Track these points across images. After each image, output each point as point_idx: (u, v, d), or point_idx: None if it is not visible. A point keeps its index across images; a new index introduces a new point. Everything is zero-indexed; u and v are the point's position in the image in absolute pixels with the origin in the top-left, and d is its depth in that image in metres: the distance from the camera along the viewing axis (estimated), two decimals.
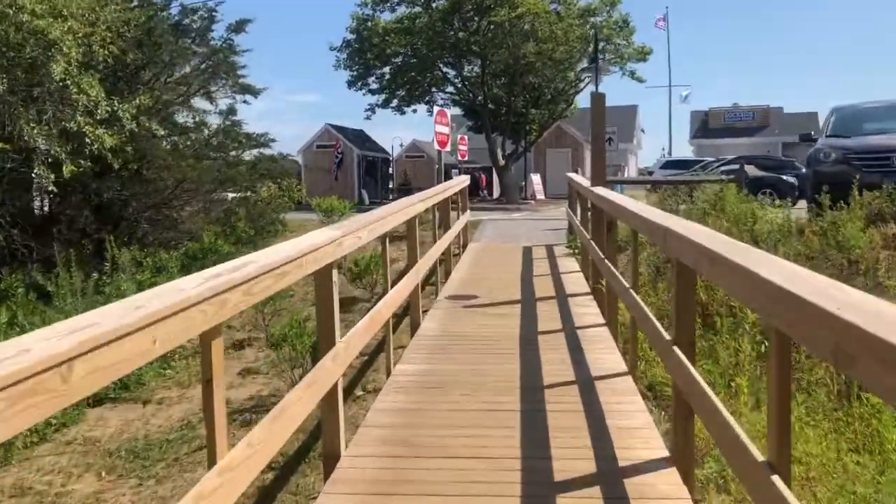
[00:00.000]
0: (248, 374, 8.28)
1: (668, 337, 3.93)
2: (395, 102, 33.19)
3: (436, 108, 15.93)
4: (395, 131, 74.61)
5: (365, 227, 4.78)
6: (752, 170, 23.43)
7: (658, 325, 4.31)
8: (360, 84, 32.24)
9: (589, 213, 10.01)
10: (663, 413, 5.30)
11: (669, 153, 55.63)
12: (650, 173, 33.00)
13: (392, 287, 5.98)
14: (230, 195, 13.95)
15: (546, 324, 7.16)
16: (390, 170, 39.82)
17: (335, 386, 4.09)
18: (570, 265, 10.85)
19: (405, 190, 32.66)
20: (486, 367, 5.73)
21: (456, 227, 11.32)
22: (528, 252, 12.23)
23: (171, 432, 6.60)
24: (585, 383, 5.29)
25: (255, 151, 14.01)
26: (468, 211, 13.37)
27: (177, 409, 7.39)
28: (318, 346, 4.14)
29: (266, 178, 13.83)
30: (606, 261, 6.90)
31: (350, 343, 4.33)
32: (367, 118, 32.69)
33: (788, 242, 7.81)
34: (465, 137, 25.46)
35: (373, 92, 32.50)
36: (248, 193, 13.59)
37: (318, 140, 32.51)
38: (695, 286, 3.98)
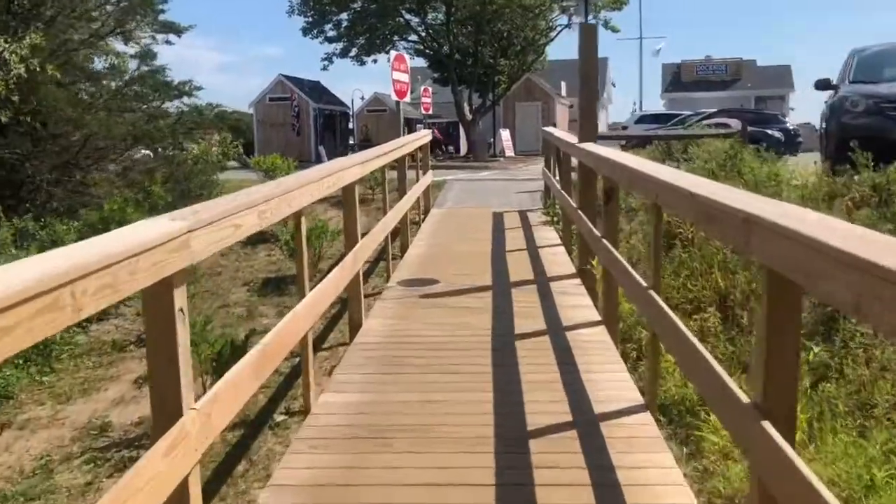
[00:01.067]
0: (146, 384, 6.52)
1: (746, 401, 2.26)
2: (353, 52, 30.95)
3: (393, 53, 13.97)
4: (356, 83, 71.16)
5: (248, 210, 3.00)
6: (735, 124, 21.95)
7: (719, 370, 2.63)
8: (315, 31, 29.94)
9: (574, 176, 8.33)
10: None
11: (640, 107, 54.05)
12: (624, 128, 31.31)
13: (312, 289, 4.22)
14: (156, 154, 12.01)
15: (526, 322, 5.49)
16: (350, 125, 37.65)
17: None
18: (548, 236, 9.17)
19: (366, 146, 30.64)
20: (446, 400, 4.05)
21: (415, 191, 9.56)
22: (499, 219, 10.53)
23: (15, 482, 4.84)
24: (588, 426, 3.65)
25: (177, 102, 11.98)
26: (430, 171, 11.60)
27: (41, 438, 5.61)
28: (154, 424, 2.41)
29: (195, 133, 11.84)
30: (604, 240, 5.23)
31: (213, 414, 2.58)
32: (324, 69, 30.48)
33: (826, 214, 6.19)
34: (430, 90, 23.46)
35: (330, 40, 30.22)
36: (174, 152, 11.61)
37: (271, 92, 30.22)
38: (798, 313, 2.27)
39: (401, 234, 8.66)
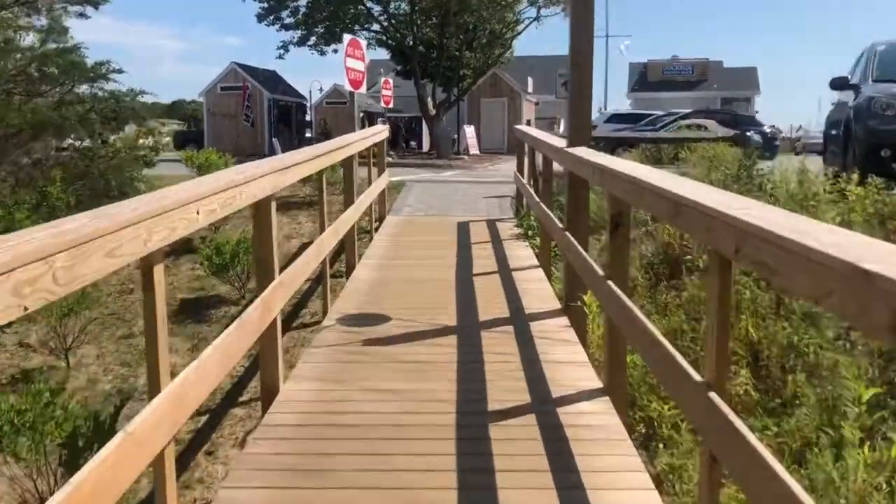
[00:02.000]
0: None
1: None
2: (312, 41, 29.17)
3: (346, 37, 12.36)
4: (317, 74, 68.57)
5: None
6: (712, 125, 20.79)
7: None
8: (272, 18, 28.08)
9: (542, 184, 6.94)
10: None
11: (605, 107, 53.08)
12: (593, 127, 30.21)
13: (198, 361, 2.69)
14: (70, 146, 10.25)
15: (503, 391, 4.03)
16: (308, 117, 35.87)
17: None
18: (523, 254, 7.71)
19: (324, 140, 28.96)
20: None
21: (366, 197, 8.05)
22: (464, 231, 9.06)
23: None
24: None
25: (85, 86, 10.13)
26: (386, 171, 10.08)
27: None
28: None
29: (112, 122, 10.07)
30: (610, 283, 3.80)
31: None
32: (280, 57, 28.67)
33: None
34: (390, 81, 21.86)
35: (286, 28, 28.39)
36: (90, 145, 9.85)
37: (223, 81, 28.32)
38: None
39: (346, 250, 7.14)
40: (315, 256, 5.19)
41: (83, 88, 10.12)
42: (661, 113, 27.35)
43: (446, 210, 10.92)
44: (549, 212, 6.51)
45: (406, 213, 10.61)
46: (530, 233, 8.40)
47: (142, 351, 6.73)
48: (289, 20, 28.33)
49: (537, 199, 7.22)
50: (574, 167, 5.23)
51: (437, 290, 6.16)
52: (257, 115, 28.14)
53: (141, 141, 11.04)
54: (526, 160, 9.54)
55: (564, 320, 5.32)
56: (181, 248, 9.07)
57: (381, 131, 9.20)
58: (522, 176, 9.90)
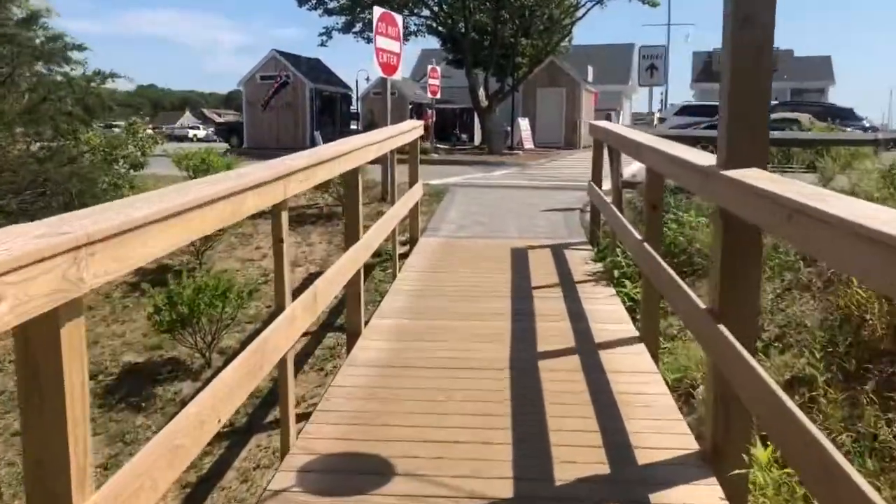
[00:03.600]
0: None
1: None
2: (358, 27, 26.89)
3: (377, 11, 9.97)
4: (363, 64, 65.50)
5: None
6: (806, 120, 17.82)
7: None
8: (314, 2, 25.88)
9: (648, 212, 4.46)
10: None
11: (667, 98, 49.77)
12: (661, 120, 27.12)
13: None
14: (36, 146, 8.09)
15: None
16: (353, 108, 33.75)
17: None
18: (611, 314, 5.13)
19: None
20: None
21: (387, 223, 5.67)
22: (521, 262, 6.60)
23: None
24: None
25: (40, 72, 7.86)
26: (419, 183, 7.65)
27: None
28: None
29: (67, 116, 7.85)
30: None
31: None
32: (322, 45, 26.30)
33: None
34: (438, 70, 19.34)
35: (330, 13, 26.16)
36: (50, 143, 7.71)
37: (262, 70, 26.22)
38: None
39: (348, 307, 4.75)
40: (283, 343, 2.83)
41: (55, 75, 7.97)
42: None
43: (497, 227, 8.44)
44: (659, 260, 4.00)
45: (445, 232, 8.14)
46: (616, 273, 5.89)
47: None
48: (332, 4, 26.11)
49: (637, 236, 4.69)
50: (736, 203, 2.74)
51: (481, 385, 3.73)
52: (298, 105, 25.98)
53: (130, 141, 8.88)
54: (608, 167, 7.01)
55: (709, 477, 2.85)
56: (154, 278, 6.83)
57: (410, 129, 6.75)
58: (600, 186, 7.37)
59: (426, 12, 27.63)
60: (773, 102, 22.28)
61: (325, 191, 8.97)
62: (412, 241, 7.51)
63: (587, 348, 4.40)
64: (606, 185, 7.15)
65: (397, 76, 10.38)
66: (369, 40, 27.52)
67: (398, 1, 26.24)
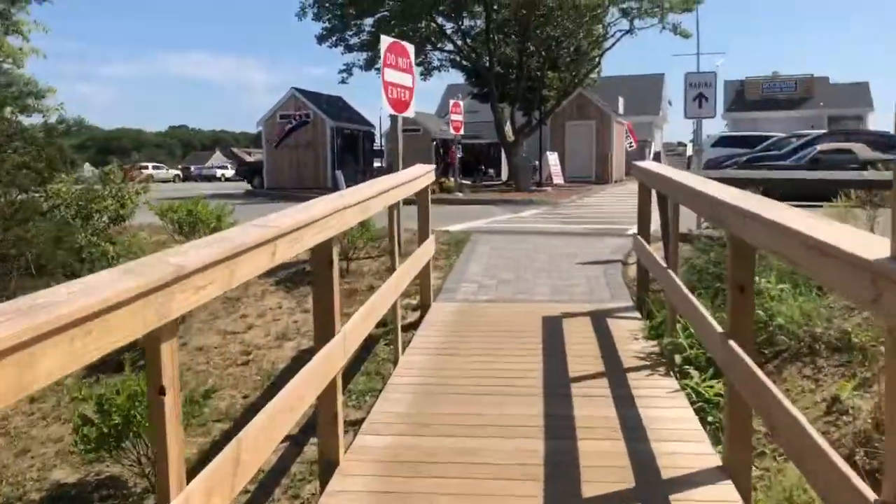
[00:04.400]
0: None
1: None
2: (380, 64, 26.07)
3: (385, 41, 8.86)
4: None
5: None
6: (862, 150, 16.31)
7: None
8: (335, 39, 25.12)
9: (730, 298, 3.16)
10: None
11: (700, 128, 48.20)
12: (698, 153, 25.70)
13: None
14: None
15: None
16: (377, 145, 32.90)
17: None
18: (676, 423, 3.80)
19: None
20: None
21: (383, 299, 4.44)
22: (555, 337, 5.30)
23: None
24: None
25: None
26: (431, 237, 6.44)
27: None
28: None
29: (23, 170, 6.73)
30: None
31: None
32: (343, 82, 25.39)
33: None
34: (461, 104, 18.20)
35: (350, 49, 25.36)
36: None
37: (283, 109, 25.41)
38: None
39: (320, 427, 3.48)
40: None
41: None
42: (781, 135, 22.79)
43: (525, 287, 7.13)
44: (755, 370, 2.71)
45: (463, 294, 6.86)
46: (678, 358, 4.56)
47: None
48: (353, 41, 25.33)
49: (716, 328, 3.38)
50: None
51: None
52: (319, 144, 25.09)
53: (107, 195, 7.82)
54: (656, 214, 5.71)
55: None
56: (111, 365, 5.64)
57: (416, 177, 5.53)
58: (648, 240, 6.07)
59: (450, 46, 26.72)
60: (821, 132, 20.77)
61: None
62: (423, 308, 6.26)
63: (653, 492, 3.08)
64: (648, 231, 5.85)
65: (410, 112, 9.21)
66: None
67: (421, 35, 25.42)
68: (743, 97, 48.03)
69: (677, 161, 50.60)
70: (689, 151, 48.45)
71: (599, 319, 5.82)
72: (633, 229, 6.88)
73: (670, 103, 54.01)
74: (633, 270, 7.28)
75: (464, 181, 31.99)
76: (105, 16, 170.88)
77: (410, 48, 9.74)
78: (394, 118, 9.11)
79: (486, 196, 18.70)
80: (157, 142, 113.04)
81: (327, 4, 24.18)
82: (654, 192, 5.92)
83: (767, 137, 23.31)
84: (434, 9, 23.95)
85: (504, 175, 29.96)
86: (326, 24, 24.79)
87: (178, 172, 62.46)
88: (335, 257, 3.36)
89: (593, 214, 14.01)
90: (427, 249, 6.14)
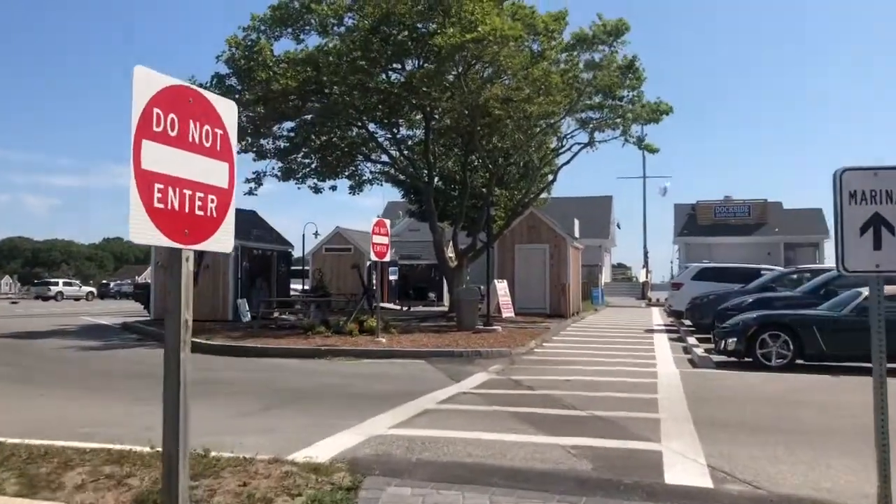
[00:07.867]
0: None
1: None
2: (301, 174, 21.77)
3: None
4: (310, 215, 59.79)
5: None
6: (891, 290, 12.32)
7: None
8: (244, 144, 20.76)
9: None
10: None
11: (645, 252, 45.19)
12: (676, 286, 21.73)
13: None
14: None
15: None
16: (304, 266, 28.30)
17: None
18: None
19: (319, 296, 20.84)
20: None
21: None
22: None
23: None
24: None
25: None
26: None
27: None
28: None
29: None
30: None
31: None
32: (250, 192, 20.79)
33: None
34: (386, 223, 13.69)
35: (262, 155, 21.04)
36: None
37: None
38: None
39: None
40: None
41: None
42: (780, 270, 18.99)
43: None
44: None
45: None
46: None
47: None
48: (269, 146, 21.02)
49: None
50: None
51: None
52: (220, 267, 20.23)
53: None
54: None
55: None
56: None
57: None
58: None
59: (385, 157, 22.73)
60: (827, 266, 16.94)
61: None
62: None
63: None
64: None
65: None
66: (318, 190, 22.37)
67: (348, 144, 21.38)
68: (695, 221, 45.40)
69: (627, 287, 46.95)
70: (643, 277, 44.66)
71: None
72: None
73: (619, 226, 51.30)
74: None
75: (395, 306, 27.39)
76: (57, 127, 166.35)
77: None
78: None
79: (417, 342, 13.94)
80: (89, 254, 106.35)
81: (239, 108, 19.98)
82: None
83: (749, 269, 19.60)
84: (365, 114, 20.01)
85: (447, 300, 25.51)
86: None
87: (93, 289, 56.27)
88: None
89: (573, 384, 9.44)
90: None
